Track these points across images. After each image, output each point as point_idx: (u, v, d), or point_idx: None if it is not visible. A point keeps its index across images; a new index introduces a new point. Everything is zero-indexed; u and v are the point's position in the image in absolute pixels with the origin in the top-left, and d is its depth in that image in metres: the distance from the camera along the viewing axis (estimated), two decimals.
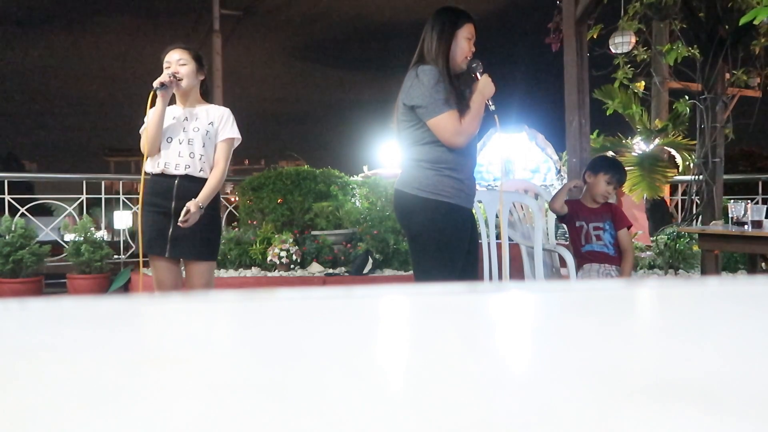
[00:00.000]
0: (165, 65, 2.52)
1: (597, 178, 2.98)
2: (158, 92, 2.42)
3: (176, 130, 2.47)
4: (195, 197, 2.41)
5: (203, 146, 2.46)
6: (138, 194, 2.64)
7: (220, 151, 2.51)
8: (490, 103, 2.21)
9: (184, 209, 2.37)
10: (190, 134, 2.46)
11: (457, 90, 2.21)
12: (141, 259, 2.49)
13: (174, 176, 2.44)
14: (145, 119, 2.51)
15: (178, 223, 2.39)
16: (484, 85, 2.21)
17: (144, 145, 2.46)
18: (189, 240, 2.44)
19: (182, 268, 2.59)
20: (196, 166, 2.45)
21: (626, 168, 3.54)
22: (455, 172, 2.18)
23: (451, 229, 2.20)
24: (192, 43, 2.70)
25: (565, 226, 3.36)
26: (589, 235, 2.98)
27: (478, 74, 2.23)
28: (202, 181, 2.46)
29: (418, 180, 2.18)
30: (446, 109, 2.12)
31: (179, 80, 2.47)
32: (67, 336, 0.31)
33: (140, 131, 2.53)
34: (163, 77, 2.45)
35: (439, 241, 2.19)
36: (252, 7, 15.01)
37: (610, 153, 6.77)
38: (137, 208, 3.20)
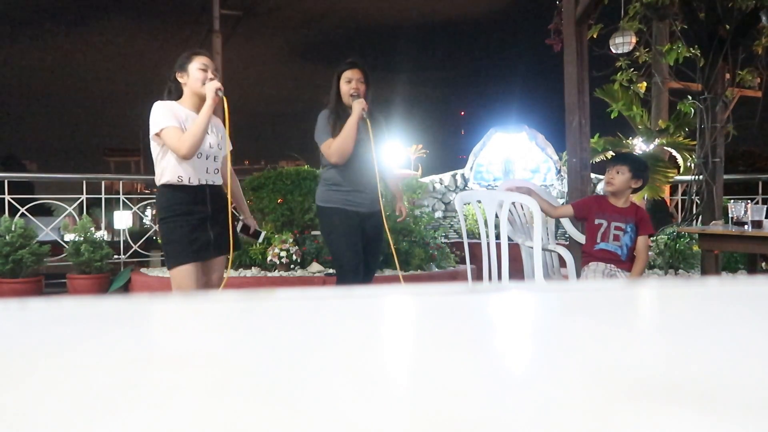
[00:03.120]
0: (200, 66, 2.55)
1: (608, 173, 2.98)
2: (220, 96, 2.51)
3: (204, 144, 2.55)
4: (221, 201, 2.69)
5: (221, 160, 2.71)
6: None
7: (229, 163, 2.78)
8: (364, 114, 2.85)
9: (244, 224, 2.83)
10: (215, 150, 2.63)
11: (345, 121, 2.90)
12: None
13: (206, 185, 2.61)
14: (163, 111, 2.47)
15: (245, 235, 2.85)
16: (354, 109, 2.85)
17: (184, 146, 2.45)
18: (220, 238, 2.66)
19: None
20: (219, 178, 2.69)
21: None
22: (339, 187, 2.93)
23: (338, 226, 2.91)
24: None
25: (568, 222, 3.35)
26: (607, 233, 2.89)
27: (353, 102, 2.88)
28: (222, 186, 2.73)
29: (319, 195, 2.99)
30: (324, 139, 2.89)
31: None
32: (67, 336, 0.31)
33: (164, 128, 2.46)
34: (218, 84, 2.51)
35: (332, 234, 2.95)
36: (252, 7, 15.02)
37: (610, 153, 6.77)
38: (137, 209, 3.25)
